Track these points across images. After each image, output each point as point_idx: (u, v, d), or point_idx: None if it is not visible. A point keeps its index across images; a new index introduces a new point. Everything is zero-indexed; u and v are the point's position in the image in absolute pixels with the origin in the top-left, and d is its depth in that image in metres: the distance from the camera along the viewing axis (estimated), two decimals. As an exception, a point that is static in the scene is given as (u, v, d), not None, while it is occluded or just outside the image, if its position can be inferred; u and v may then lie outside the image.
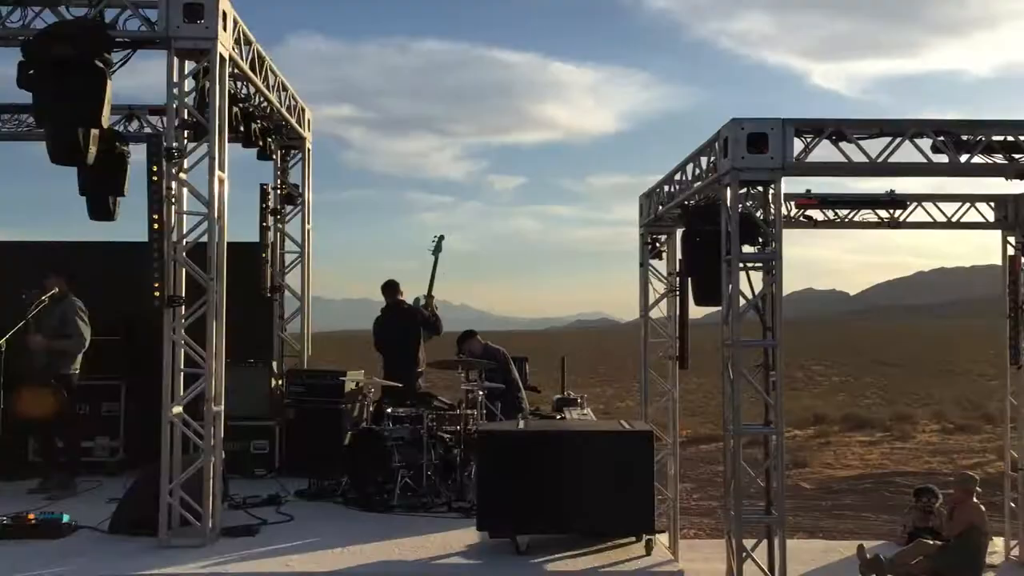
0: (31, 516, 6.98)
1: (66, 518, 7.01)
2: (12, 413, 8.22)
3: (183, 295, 6.59)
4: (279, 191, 10.43)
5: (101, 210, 10.11)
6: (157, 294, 6.52)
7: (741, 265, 6.47)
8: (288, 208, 10.59)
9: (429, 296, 10.01)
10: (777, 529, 6.38)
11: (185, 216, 6.70)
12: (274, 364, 10.21)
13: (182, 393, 6.68)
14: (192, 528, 6.52)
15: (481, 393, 8.17)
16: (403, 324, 10.08)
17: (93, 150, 6.61)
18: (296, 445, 9.57)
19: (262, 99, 8.94)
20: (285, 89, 9.31)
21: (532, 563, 6.02)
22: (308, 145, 10.58)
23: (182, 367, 6.70)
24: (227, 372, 9.79)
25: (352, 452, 8.39)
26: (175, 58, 6.59)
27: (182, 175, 6.64)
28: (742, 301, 6.42)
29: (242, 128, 9.01)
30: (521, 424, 7.01)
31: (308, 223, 10.70)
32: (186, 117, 6.68)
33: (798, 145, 6.46)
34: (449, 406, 8.78)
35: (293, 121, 9.81)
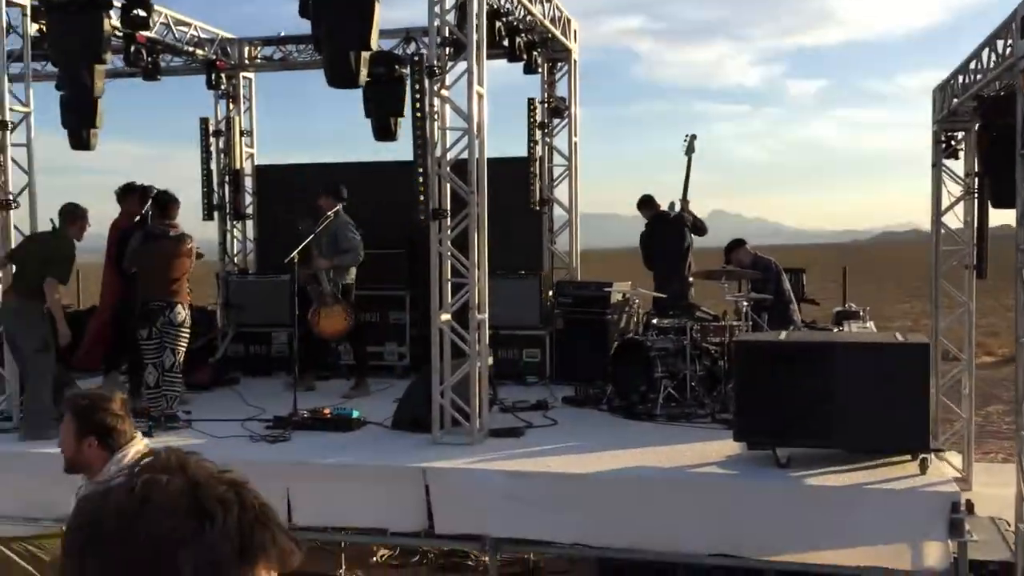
0: (327, 411, 7.70)
1: (356, 414, 7.66)
2: (316, 332, 9.02)
3: (448, 208, 6.86)
4: (546, 105, 10.53)
5: (385, 131, 10.79)
6: (422, 208, 6.83)
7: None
8: (556, 121, 10.67)
9: (684, 200, 9.75)
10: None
11: (448, 132, 6.94)
12: (544, 276, 10.46)
13: (450, 301, 7.00)
14: (462, 428, 6.89)
15: (746, 304, 7.91)
16: (671, 234, 9.97)
17: (364, 72, 6.97)
18: (565, 354, 9.80)
19: (526, 12, 9.00)
20: (548, 1, 9.31)
21: (790, 476, 5.83)
22: (574, 57, 10.55)
23: (449, 277, 7.01)
24: (499, 283, 10.22)
25: (616, 361, 8.46)
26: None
27: (444, 92, 6.86)
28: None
29: (506, 43, 9.16)
30: (782, 335, 6.72)
31: (575, 136, 10.74)
32: (446, 35, 6.87)
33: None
34: (714, 317, 8.60)
35: (558, 33, 9.82)
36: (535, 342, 10.01)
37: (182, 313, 7.93)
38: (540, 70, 10.15)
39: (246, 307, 10.69)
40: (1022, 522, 5.84)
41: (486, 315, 7.12)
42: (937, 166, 8.75)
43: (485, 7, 7.12)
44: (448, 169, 6.92)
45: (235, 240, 11.58)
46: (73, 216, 7.67)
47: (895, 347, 6.03)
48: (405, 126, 10.51)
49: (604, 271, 13.75)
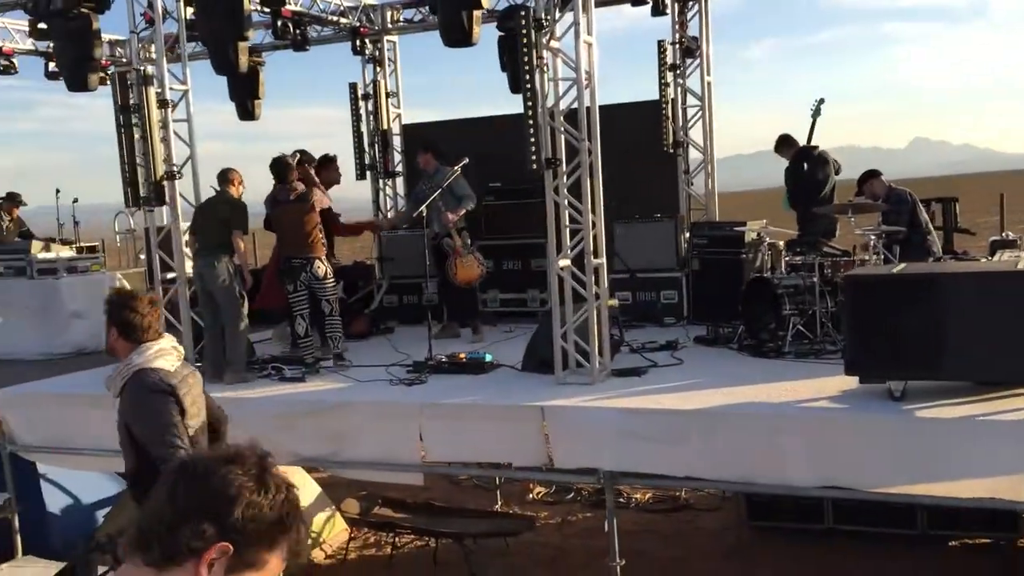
0: (462, 355, 8.17)
1: (488, 357, 8.10)
2: (454, 282, 9.56)
3: (562, 157, 7.09)
4: (678, 45, 10.51)
5: (519, 82, 11.06)
6: (534, 158, 7.10)
7: None
8: (688, 62, 10.63)
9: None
10: None
11: (561, 83, 7.15)
12: (680, 218, 10.53)
13: (568, 246, 7.26)
14: (584, 368, 7.19)
15: (874, 237, 7.76)
16: (816, 170, 9.93)
17: (477, 30, 7.27)
18: (701, 295, 9.89)
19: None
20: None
21: (902, 409, 5.79)
22: (704, -8, 10.44)
23: (567, 224, 7.26)
24: (635, 227, 10.41)
25: (746, 300, 8.50)
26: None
27: (553, 43, 7.07)
28: None
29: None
30: (895, 268, 6.60)
31: (708, 75, 10.66)
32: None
33: None
34: (843, 252, 8.47)
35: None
36: (672, 284, 10.14)
37: (322, 267, 8.58)
38: (667, 11, 10.11)
39: (397, 259, 11.32)
40: None
41: (603, 260, 7.32)
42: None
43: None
44: (562, 118, 7.14)
45: (387, 197, 12.22)
46: (227, 178, 8.46)
47: (1006, 275, 5.84)
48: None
49: (749, 212, 13.63)
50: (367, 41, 11.46)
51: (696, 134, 10.76)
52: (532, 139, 6.96)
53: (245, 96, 10.95)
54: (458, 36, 7.21)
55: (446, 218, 9.28)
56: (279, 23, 9.97)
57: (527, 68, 7.01)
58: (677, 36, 10.50)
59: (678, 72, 10.53)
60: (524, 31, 6.99)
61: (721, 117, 11.39)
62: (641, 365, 7.66)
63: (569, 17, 7.09)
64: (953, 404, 5.77)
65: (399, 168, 12.08)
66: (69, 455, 8.16)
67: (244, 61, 8.30)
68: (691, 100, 10.76)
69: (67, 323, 10.65)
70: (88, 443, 7.85)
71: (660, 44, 10.30)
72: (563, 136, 7.18)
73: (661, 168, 10.63)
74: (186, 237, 8.54)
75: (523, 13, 7.04)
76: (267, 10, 9.55)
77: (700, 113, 10.76)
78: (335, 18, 10.96)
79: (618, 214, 10.51)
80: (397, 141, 12.09)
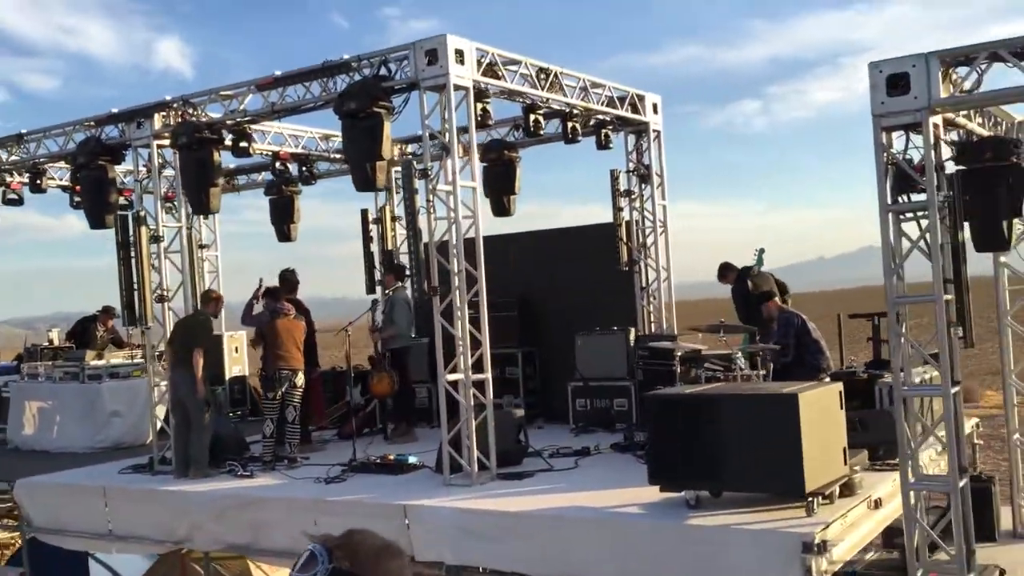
0: (391, 456, 9.22)
1: (412, 459, 9.09)
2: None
3: (439, 285, 8.17)
4: (632, 173, 11.46)
5: (500, 207, 12.24)
6: (426, 287, 8.21)
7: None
8: (643, 186, 11.54)
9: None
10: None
11: (449, 220, 8.26)
12: (632, 331, 11.30)
13: (455, 363, 8.23)
14: (466, 472, 8.08)
15: (740, 356, 8.42)
16: (756, 285, 10.69)
17: (381, 177, 8.50)
18: (643, 403, 10.59)
19: (576, 104, 10.14)
20: (598, 88, 10.36)
21: (686, 516, 6.43)
22: (654, 128, 11.36)
23: (461, 341, 8.23)
24: (591, 340, 11.27)
25: (645, 409, 9.18)
26: (424, 94, 8.21)
27: (440, 188, 8.21)
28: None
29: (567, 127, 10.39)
30: (696, 388, 7.27)
31: (663, 200, 11.52)
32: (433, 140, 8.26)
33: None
34: (724, 367, 9.09)
35: (619, 112, 10.79)
36: (623, 392, 10.89)
37: (300, 377, 9.86)
38: (611, 145, 11.11)
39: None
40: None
41: (487, 375, 8.25)
42: None
43: (475, 111, 8.44)
44: (455, 249, 8.24)
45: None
46: (206, 298, 9.92)
47: (768, 398, 6.46)
48: (519, 201, 11.99)
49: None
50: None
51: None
52: (415, 271, 8.09)
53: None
54: (365, 184, 8.46)
55: (371, 334, 10.58)
56: (277, 165, 11.61)
57: (409, 211, 8.17)
58: (631, 164, 11.44)
59: (633, 197, 11.44)
60: (407, 179, 8.16)
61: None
62: (528, 469, 8.47)
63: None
64: (731, 513, 6.40)
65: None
66: (67, 536, 9.63)
67: (216, 204, 9.79)
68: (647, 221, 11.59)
69: (107, 421, 12.30)
70: (79, 526, 9.33)
71: (612, 172, 11.28)
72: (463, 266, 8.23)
73: (621, 284, 11.50)
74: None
75: (407, 163, 8.24)
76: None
77: (663, 232, 11.53)
78: (336, 155, 12.51)
79: (580, 327, 11.44)
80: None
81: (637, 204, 11.52)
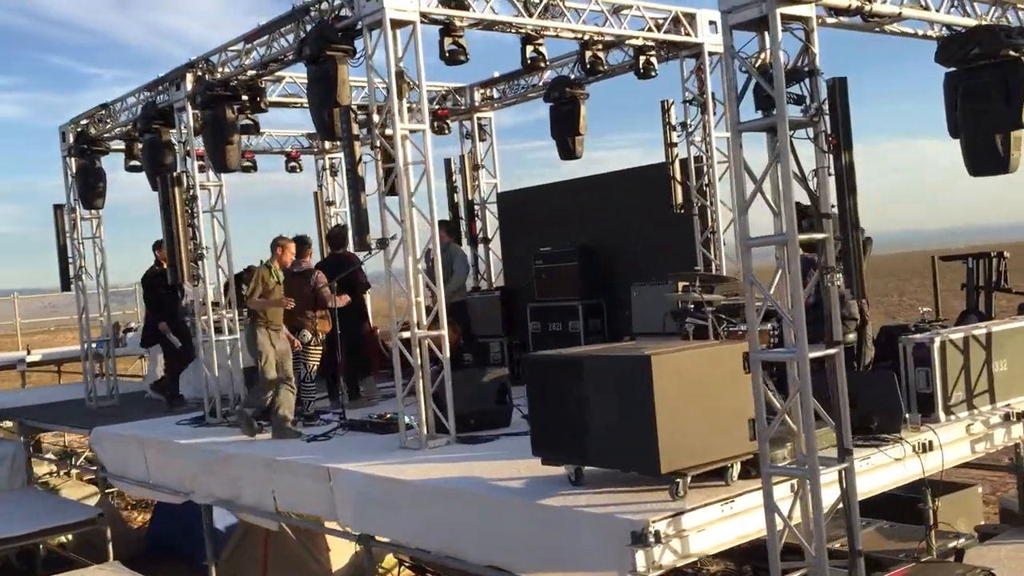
0: (387, 415, 8.93)
1: (408, 420, 8.72)
2: None
3: (388, 237, 7.64)
4: (691, 103, 10.22)
5: (565, 150, 11.52)
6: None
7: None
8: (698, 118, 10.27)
9: None
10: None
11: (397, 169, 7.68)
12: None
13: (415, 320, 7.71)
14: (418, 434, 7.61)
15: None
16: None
17: (340, 124, 8.09)
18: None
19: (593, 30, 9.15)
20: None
21: (555, 493, 5.62)
22: (707, 49, 9.99)
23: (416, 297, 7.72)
24: (647, 290, 10.37)
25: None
26: (368, 32, 7.68)
27: (387, 132, 7.66)
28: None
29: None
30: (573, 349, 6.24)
31: (710, 134, 10.17)
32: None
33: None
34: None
35: (660, 35, 9.59)
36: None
37: (306, 335, 9.70)
38: (654, 73, 9.91)
39: (471, 320, 12.12)
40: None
41: (444, 331, 7.67)
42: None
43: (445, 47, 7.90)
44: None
45: (479, 261, 13.10)
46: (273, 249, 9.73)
47: (623, 360, 5.37)
48: (586, 144, 11.17)
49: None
50: (447, 122, 12.38)
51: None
52: (354, 221, 7.66)
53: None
54: (325, 132, 8.11)
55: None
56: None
57: (348, 161, 7.72)
58: (687, 95, 10.19)
59: (689, 130, 10.20)
60: (345, 130, 7.69)
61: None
62: (499, 433, 7.85)
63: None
64: (592, 493, 5.51)
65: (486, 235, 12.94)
66: (126, 482, 10.29)
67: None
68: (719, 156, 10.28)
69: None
70: (133, 473, 9.93)
71: (663, 104, 10.12)
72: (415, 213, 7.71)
73: (676, 228, 10.37)
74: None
75: (346, 111, 7.77)
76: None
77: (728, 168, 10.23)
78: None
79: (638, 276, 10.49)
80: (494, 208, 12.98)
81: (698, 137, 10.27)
